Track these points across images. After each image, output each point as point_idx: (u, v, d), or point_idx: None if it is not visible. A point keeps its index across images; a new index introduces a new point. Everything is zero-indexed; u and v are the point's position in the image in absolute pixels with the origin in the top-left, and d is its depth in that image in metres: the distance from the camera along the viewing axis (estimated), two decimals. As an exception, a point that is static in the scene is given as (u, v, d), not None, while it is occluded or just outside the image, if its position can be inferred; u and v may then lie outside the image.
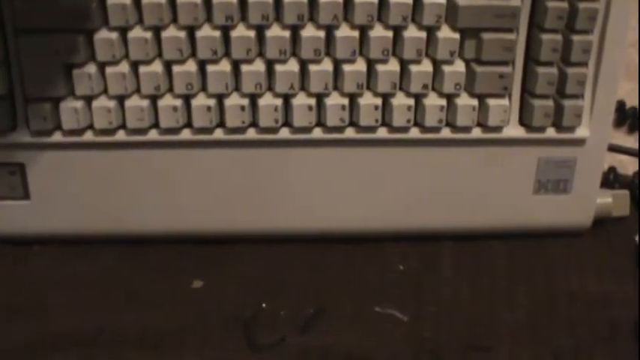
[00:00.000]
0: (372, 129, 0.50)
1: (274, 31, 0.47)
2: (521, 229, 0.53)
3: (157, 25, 0.46)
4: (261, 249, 0.52)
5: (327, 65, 0.48)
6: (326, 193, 0.51)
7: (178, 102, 0.48)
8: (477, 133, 0.50)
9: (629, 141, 0.63)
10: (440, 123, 0.49)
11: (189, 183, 0.51)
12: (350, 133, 0.50)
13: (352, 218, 0.52)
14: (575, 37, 0.48)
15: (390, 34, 0.47)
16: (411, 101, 0.49)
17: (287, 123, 0.49)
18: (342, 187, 0.51)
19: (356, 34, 0.47)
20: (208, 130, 0.49)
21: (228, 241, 0.52)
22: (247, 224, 0.52)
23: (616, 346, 0.47)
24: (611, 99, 0.51)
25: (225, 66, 0.47)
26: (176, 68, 0.47)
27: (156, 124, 0.49)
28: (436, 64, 0.48)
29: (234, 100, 0.48)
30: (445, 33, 0.47)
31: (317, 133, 0.50)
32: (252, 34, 0.47)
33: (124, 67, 0.47)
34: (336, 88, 0.49)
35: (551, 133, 0.51)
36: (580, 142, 0.51)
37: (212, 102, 0.48)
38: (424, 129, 0.50)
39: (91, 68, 0.47)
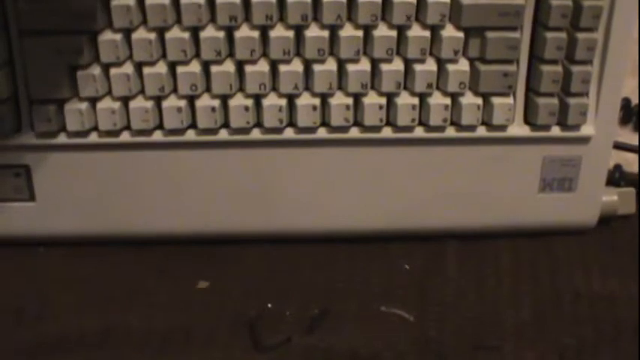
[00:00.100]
0: (376, 128, 0.50)
1: (278, 32, 0.47)
2: (527, 228, 0.53)
3: (161, 26, 0.46)
4: (266, 249, 0.52)
5: (331, 65, 0.48)
6: (330, 193, 0.51)
7: (182, 103, 0.48)
8: (481, 131, 0.50)
9: (635, 138, 0.63)
10: (444, 122, 0.49)
11: (194, 184, 0.51)
12: (354, 132, 0.50)
13: (357, 218, 0.52)
14: (580, 35, 0.48)
15: (394, 33, 0.47)
16: (416, 100, 0.49)
17: (291, 123, 0.49)
18: (346, 186, 0.51)
19: (360, 33, 0.47)
20: (213, 131, 0.49)
21: (233, 242, 0.52)
22: (252, 224, 0.52)
23: (621, 344, 0.46)
24: (616, 97, 0.50)
25: (229, 66, 0.47)
26: (180, 69, 0.47)
27: (160, 125, 0.49)
28: (440, 63, 0.48)
29: (238, 101, 0.48)
30: (449, 32, 0.47)
31: (321, 133, 0.49)
32: (256, 34, 0.47)
33: (128, 68, 0.47)
34: (340, 87, 0.49)
35: (556, 131, 0.51)
36: (585, 140, 0.51)
37: (216, 103, 0.48)
38: (429, 128, 0.50)
39: (96, 69, 0.47)
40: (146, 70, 0.47)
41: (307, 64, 0.48)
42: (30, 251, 0.52)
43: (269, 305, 0.49)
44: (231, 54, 0.48)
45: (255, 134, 0.49)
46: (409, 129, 0.50)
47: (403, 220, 0.52)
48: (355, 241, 0.53)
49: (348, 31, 0.47)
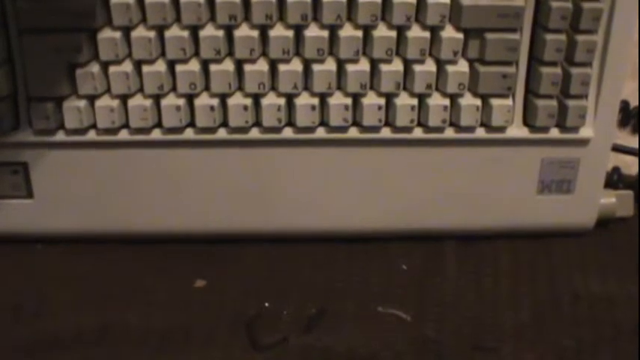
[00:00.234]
0: (375, 129, 0.49)
1: (278, 31, 0.47)
2: (525, 230, 0.53)
3: (161, 24, 0.46)
4: (264, 248, 0.52)
5: (330, 65, 0.48)
6: (329, 192, 0.51)
7: (181, 101, 0.48)
8: (480, 133, 0.50)
9: (633, 141, 0.63)
10: (443, 123, 0.49)
11: (192, 182, 0.51)
12: (353, 133, 0.50)
13: (356, 218, 0.52)
14: (580, 37, 0.48)
15: (393, 33, 0.47)
16: (415, 101, 0.49)
17: (290, 123, 0.49)
18: (344, 186, 0.51)
19: (359, 33, 0.47)
20: (211, 130, 0.49)
21: (231, 241, 0.52)
22: (250, 224, 0.52)
23: (620, 345, 0.46)
24: (615, 99, 0.50)
25: (228, 65, 0.47)
26: (179, 68, 0.47)
27: (159, 124, 0.49)
28: (440, 64, 0.48)
29: (237, 100, 0.48)
30: (449, 33, 0.47)
31: (320, 132, 0.49)
32: (255, 33, 0.47)
33: (127, 66, 0.47)
34: (339, 87, 0.49)
35: (554, 133, 0.51)
36: (584, 142, 0.51)
37: (215, 101, 0.48)
38: (427, 129, 0.50)
39: (94, 67, 0.47)
40: (145, 69, 0.47)
41: (306, 64, 0.48)
42: (28, 248, 0.52)
43: (266, 304, 0.48)
44: (230, 53, 0.47)
45: (254, 133, 0.49)
46: (408, 129, 0.50)
47: (402, 221, 0.52)
48: (354, 240, 0.53)
49: (347, 31, 0.47)
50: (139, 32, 0.46)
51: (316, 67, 0.48)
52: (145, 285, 0.50)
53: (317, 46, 0.47)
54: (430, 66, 0.48)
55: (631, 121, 0.65)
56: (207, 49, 0.47)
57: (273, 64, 0.48)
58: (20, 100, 0.48)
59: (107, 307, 0.48)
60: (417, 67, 0.48)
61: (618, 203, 0.54)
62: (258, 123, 0.49)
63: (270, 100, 0.48)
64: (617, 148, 0.57)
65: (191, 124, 0.49)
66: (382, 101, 0.49)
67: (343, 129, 0.49)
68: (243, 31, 0.47)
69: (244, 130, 0.49)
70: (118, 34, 0.46)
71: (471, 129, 0.50)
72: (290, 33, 0.47)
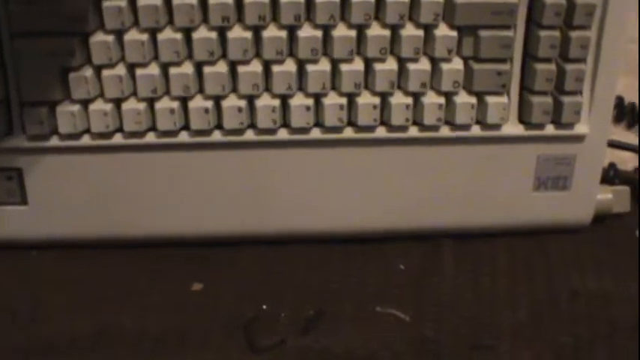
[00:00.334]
0: (370, 128, 0.49)
1: (271, 32, 0.47)
2: (522, 227, 0.53)
3: (153, 27, 0.46)
4: (260, 250, 0.52)
5: (324, 65, 0.48)
6: (325, 193, 0.51)
7: (175, 104, 0.48)
8: (475, 130, 0.50)
9: (629, 136, 0.63)
10: (439, 121, 0.49)
11: (187, 185, 0.50)
12: (348, 132, 0.49)
13: (352, 218, 0.52)
14: (573, 34, 0.48)
15: (387, 32, 0.47)
16: (410, 100, 0.49)
17: (285, 124, 0.49)
18: (341, 187, 0.51)
19: (353, 33, 0.47)
20: (206, 132, 0.49)
21: (227, 243, 0.52)
22: (246, 226, 0.52)
23: (617, 342, 0.46)
24: (610, 95, 0.50)
25: (222, 67, 0.47)
26: (173, 70, 0.47)
27: (153, 127, 0.49)
28: (434, 62, 0.48)
29: (231, 102, 0.48)
30: (443, 31, 0.47)
31: (315, 133, 0.49)
32: (248, 35, 0.46)
33: (121, 70, 0.47)
34: (334, 87, 0.48)
35: (550, 130, 0.50)
36: (579, 138, 0.51)
37: (209, 104, 0.48)
38: (423, 127, 0.50)
39: (88, 71, 0.47)
40: (138, 72, 0.47)
41: (300, 65, 0.48)
42: (23, 254, 0.52)
43: (264, 307, 0.48)
44: (224, 55, 0.47)
45: (249, 135, 0.49)
46: (403, 128, 0.49)
47: (398, 220, 0.52)
48: (350, 241, 0.53)
49: (341, 31, 0.47)
50: (132, 35, 0.46)
51: (310, 68, 0.47)
52: (139, 288, 0.49)
53: (311, 46, 0.47)
54: (424, 64, 0.48)
55: (626, 117, 0.65)
56: (201, 51, 0.47)
57: (267, 65, 0.48)
58: (13, 105, 0.48)
59: (102, 311, 0.48)
60: (412, 66, 0.48)
61: (615, 199, 0.54)
62: (252, 125, 0.49)
63: (265, 101, 0.48)
64: (613, 144, 0.57)
65: (185, 126, 0.49)
66: (377, 100, 0.48)
67: (338, 129, 0.49)
68: (236, 33, 0.47)
69: (239, 132, 0.49)
70: (110, 38, 0.46)
71: (466, 127, 0.50)
72: (283, 34, 0.47)
